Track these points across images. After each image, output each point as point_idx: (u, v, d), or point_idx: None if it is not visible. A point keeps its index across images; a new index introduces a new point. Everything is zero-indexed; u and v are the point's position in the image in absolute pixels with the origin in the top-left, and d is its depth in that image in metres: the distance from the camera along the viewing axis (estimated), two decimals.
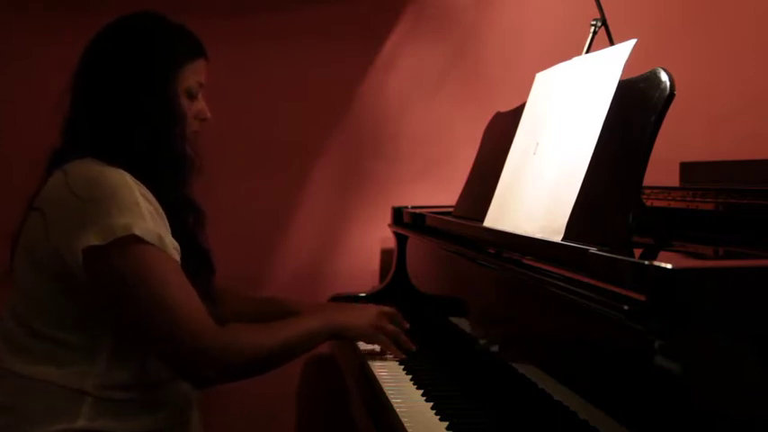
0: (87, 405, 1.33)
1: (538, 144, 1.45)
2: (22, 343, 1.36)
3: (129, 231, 1.28)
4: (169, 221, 1.38)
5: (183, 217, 1.44)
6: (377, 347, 1.66)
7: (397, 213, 2.16)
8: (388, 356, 1.63)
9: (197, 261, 1.45)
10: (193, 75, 1.48)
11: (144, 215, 1.31)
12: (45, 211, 1.36)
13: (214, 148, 1.60)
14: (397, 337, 1.62)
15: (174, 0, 1.65)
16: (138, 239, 1.29)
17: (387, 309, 1.66)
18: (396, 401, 1.38)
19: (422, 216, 1.96)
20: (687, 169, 1.98)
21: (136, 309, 1.32)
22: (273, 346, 1.41)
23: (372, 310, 1.63)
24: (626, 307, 0.91)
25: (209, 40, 1.52)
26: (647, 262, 0.88)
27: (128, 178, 1.33)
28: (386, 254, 2.31)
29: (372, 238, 2.33)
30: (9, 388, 1.35)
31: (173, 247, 1.35)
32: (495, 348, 1.44)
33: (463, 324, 1.63)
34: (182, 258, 1.37)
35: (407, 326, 1.67)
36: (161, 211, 1.36)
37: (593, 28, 1.64)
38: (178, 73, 1.45)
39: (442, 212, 1.93)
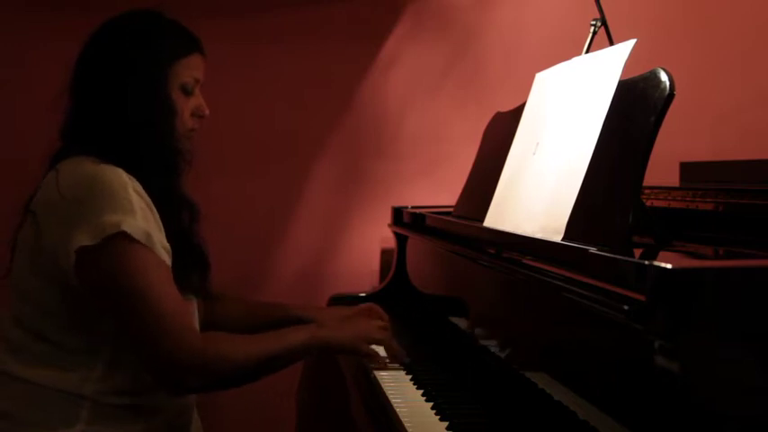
0: (86, 410, 1.32)
1: (538, 144, 1.45)
2: (21, 345, 1.35)
3: (119, 228, 1.26)
4: (162, 217, 1.36)
5: (177, 213, 1.43)
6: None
7: (397, 213, 2.16)
8: (388, 363, 1.61)
9: (192, 256, 1.44)
10: (188, 70, 1.46)
11: (135, 211, 1.29)
12: (37, 213, 1.36)
13: (215, 147, 1.60)
14: (388, 346, 1.58)
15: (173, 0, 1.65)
16: (127, 236, 1.27)
17: (376, 319, 1.62)
18: (396, 401, 1.37)
19: (422, 216, 1.96)
20: (687, 169, 1.98)
21: (120, 306, 1.30)
22: (254, 359, 1.35)
23: (360, 323, 1.58)
24: (626, 307, 0.91)
25: (208, 40, 1.52)
26: (647, 262, 0.88)
27: (122, 174, 1.31)
28: (386, 254, 2.31)
29: (372, 238, 2.33)
30: (8, 392, 1.34)
31: (161, 246, 1.32)
32: (495, 348, 1.44)
33: (463, 324, 1.63)
34: (176, 254, 1.36)
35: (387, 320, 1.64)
36: (154, 208, 1.35)
37: (593, 28, 1.64)
38: (171, 68, 1.44)
39: (442, 212, 1.93)
